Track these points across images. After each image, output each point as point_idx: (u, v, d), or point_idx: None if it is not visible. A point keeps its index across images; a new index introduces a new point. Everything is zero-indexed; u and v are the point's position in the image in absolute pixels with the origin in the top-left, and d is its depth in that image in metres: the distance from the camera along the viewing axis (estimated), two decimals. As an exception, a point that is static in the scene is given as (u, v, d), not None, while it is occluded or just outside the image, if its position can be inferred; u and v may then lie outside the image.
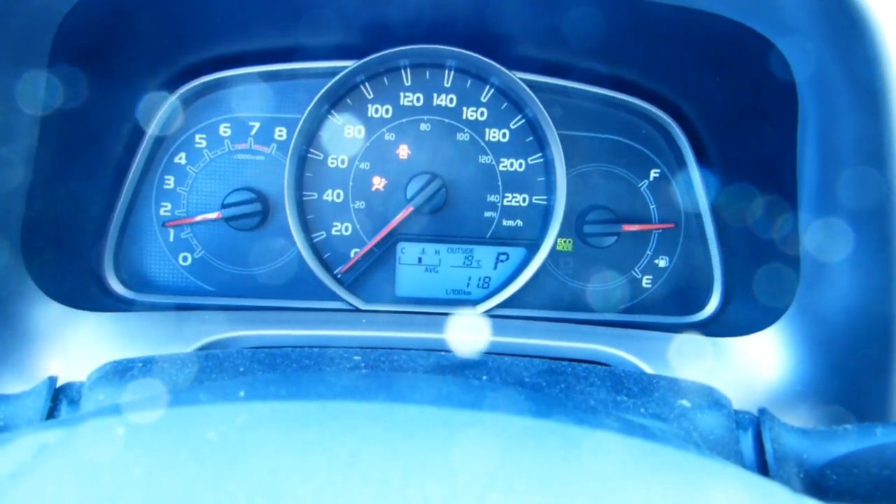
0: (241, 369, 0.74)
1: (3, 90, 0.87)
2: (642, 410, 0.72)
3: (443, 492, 0.34)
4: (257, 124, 1.25)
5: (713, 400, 0.77)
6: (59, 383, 0.75)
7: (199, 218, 1.25)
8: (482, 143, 1.28)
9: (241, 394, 0.46)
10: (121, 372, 0.75)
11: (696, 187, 1.29)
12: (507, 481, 0.35)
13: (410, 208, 1.25)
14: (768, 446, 0.72)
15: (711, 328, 1.26)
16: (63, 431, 0.40)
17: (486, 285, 1.31)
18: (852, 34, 0.83)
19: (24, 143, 0.94)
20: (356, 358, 0.77)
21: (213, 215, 1.24)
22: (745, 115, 1.15)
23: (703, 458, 0.43)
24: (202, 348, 1.07)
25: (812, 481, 0.71)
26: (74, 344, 1.06)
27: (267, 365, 0.75)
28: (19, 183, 0.96)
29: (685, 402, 0.75)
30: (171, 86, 1.20)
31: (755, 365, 1.12)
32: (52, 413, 0.71)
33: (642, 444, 0.43)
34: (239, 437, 0.38)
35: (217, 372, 0.73)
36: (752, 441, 0.74)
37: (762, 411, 0.77)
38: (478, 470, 0.36)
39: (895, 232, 0.86)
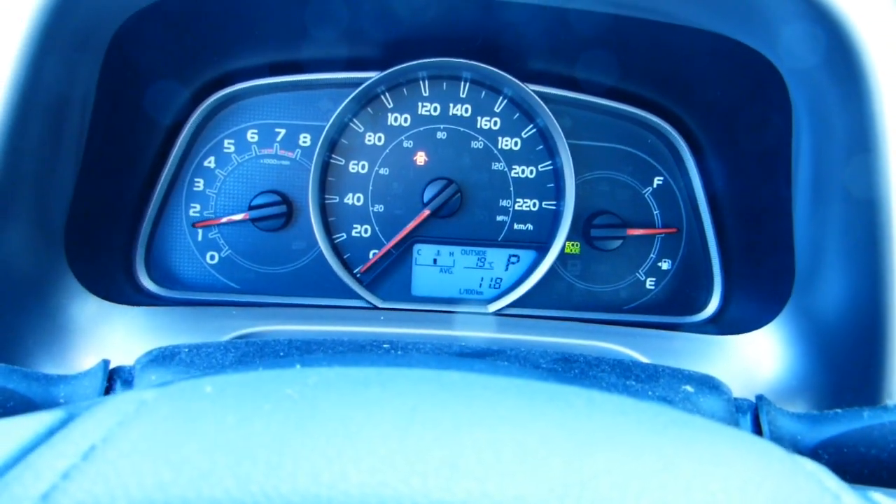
0: (281, 354, 0.80)
1: (60, 96, 0.93)
2: (650, 393, 0.78)
3: (485, 440, 0.40)
4: (283, 131, 1.32)
5: (714, 386, 0.83)
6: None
7: (225, 219, 1.31)
8: (495, 151, 1.35)
9: (298, 366, 0.53)
10: (169, 356, 0.81)
11: (697, 194, 1.35)
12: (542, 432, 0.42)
13: (427, 212, 1.32)
14: (765, 428, 0.78)
15: (712, 327, 1.32)
16: (159, 392, 0.47)
17: (497, 286, 1.38)
18: (840, 50, 0.89)
19: (73, 147, 1.01)
20: (386, 346, 0.83)
21: (240, 216, 1.31)
22: (742, 125, 1.21)
23: (705, 420, 0.50)
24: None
25: (805, 461, 0.77)
26: (110, 335, 1.12)
27: (304, 351, 0.82)
28: (66, 185, 1.03)
29: (689, 388, 0.81)
30: (204, 94, 1.27)
31: (754, 361, 1.17)
32: (108, 392, 0.77)
33: (653, 407, 0.49)
34: (313, 394, 0.44)
35: (259, 356, 0.80)
36: (750, 424, 0.80)
37: (759, 397, 0.83)
38: (513, 425, 0.43)
39: (885, 235, 0.91)
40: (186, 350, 0.82)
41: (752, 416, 0.81)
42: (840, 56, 0.90)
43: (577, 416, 0.44)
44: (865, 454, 0.75)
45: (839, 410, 0.79)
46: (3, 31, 0.82)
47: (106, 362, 0.80)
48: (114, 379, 0.79)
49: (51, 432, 0.43)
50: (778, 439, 0.78)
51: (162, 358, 0.81)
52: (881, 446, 0.74)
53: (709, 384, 0.84)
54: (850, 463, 0.76)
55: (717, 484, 0.41)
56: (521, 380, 0.49)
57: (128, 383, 0.78)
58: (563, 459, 0.39)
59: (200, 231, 1.32)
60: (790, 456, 0.49)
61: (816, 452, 0.77)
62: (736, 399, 0.84)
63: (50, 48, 0.85)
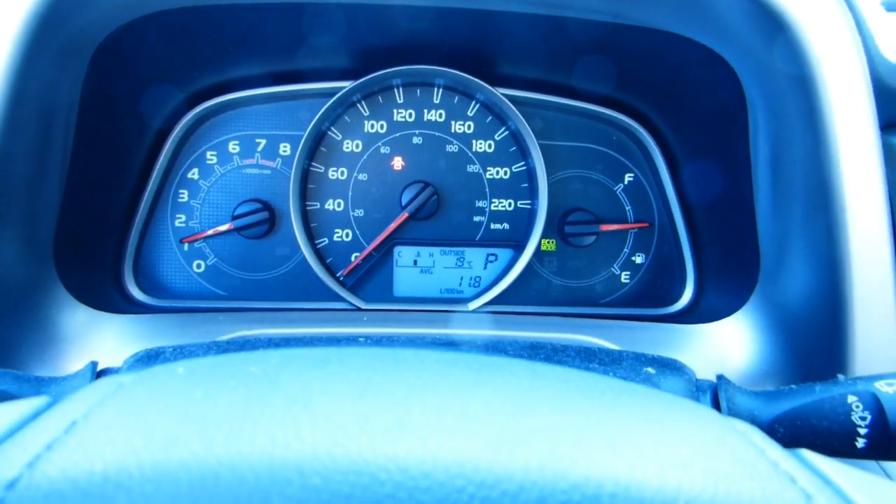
0: (263, 349, 0.84)
1: (45, 109, 0.98)
2: (610, 374, 0.82)
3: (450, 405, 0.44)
4: (263, 141, 1.36)
5: (676, 368, 0.87)
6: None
7: (211, 231, 1.35)
8: (470, 154, 1.39)
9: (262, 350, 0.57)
10: (154, 356, 0.85)
11: (667, 190, 1.40)
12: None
13: (405, 215, 1.36)
14: (724, 405, 0.82)
15: (686, 318, 1.36)
16: (136, 375, 0.51)
17: (477, 284, 1.42)
18: (787, 45, 0.94)
19: (59, 159, 1.05)
20: (361, 339, 0.87)
21: (225, 227, 1.35)
22: (704, 124, 1.26)
23: (644, 387, 0.54)
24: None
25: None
26: (99, 342, 1.15)
27: (282, 347, 0.85)
28: (53, 197, 1.07)
29: (650, 370, 0.85)
30: (186, 107, 1.31)
31: (723, 348, 1.21)
32: (95, 392, 0.81)
33: (595, 377, 0.53)
34: (274, 371, 0.48)
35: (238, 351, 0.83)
36: (709, 401, 0.84)
37: (720, 377, 0.87)
38: (457, 392, 0.47)
39: (840, 226, 0.95)
40: (171, 350, 0.86)
41: (712, 394, 0.85)
42: (794, 61, 0.95)
43: (518, 383, 0.48)
44: (817, 426, 0.79)
45: (793, 386, 0.82)
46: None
47: (94, 363, 0.83)
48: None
49: (36, 414, 0.47)
50: (736, 415, 0.82)
51: (147, 358, 0.85)
52: (832, 418, 0.78)
53: (671, 366, 0.88)
54: (804, 435, 0.79)
55: (647, 438, 0.45)
56: (470, 356, 0.53)
57: (115, 383, 0.82)
58: (500, 419, 0.43)
59: (187, 242, 1.36)
60: (722, 417, 0.53)
61: (773, 427, 0.81)
62: (698, 380, 0.88)
63: (35, 61, 0.89)
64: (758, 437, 0.50)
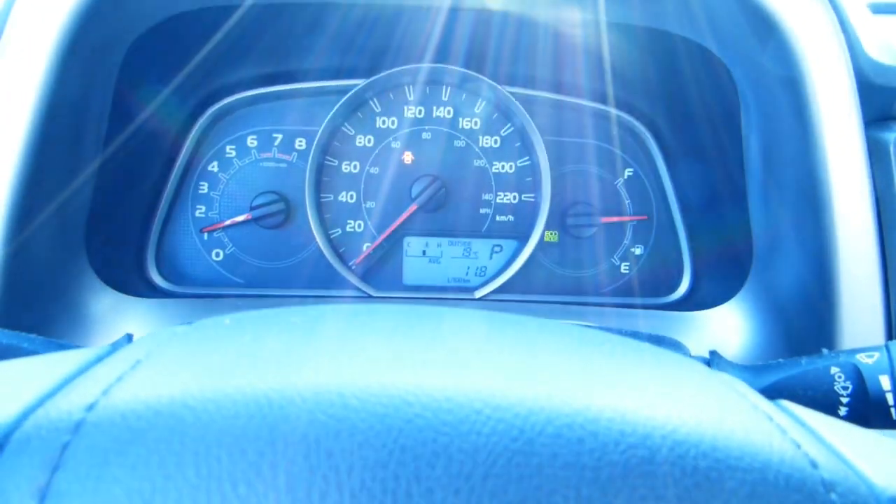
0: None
1: (80, 104, 1.04)
2: (610, 347, 0.88)
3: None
4: (280, 136, 1.42)
5: (671, 344, 0.93)
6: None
7: (229, 221, 1.41)
8: (476, 149, 1.45)
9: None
10: (184, 330, 0.91)
11: (664, 184, 1.46)
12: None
13: (415, 206, 1.42)
14: (714, 377, 0.88)
15: (683, 306, 1.42)
16: (187, 327, 0.57)
17: (482, 274, 1.48)
18: (777, 46, 1.01)
19: (91, 152, 1.12)
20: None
21: (243, 217, 1.41)
22: (699, 120, 1.32)
23: (637, 342, 0.60)
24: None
25: (750, 405, 0.86)
26: (124, 325, 1.22)
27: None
28: (86, 188, 1.13)
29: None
30: (207, 103, 1.38)
31: (719, 333, 1.27)
32: (131, 361, 0.87)
33: (599, 332, 0.59)
34: (312, 322, 0.55)
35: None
36: (702, 374, 0.90)
37: (712, 352, 0.92)
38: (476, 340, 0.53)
39: (827, 218, 1.00)
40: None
41: (705, 367, 0.91)
42: (782, 59, 1.01)
43: (528, 332, 0.54)
44: (803, 395, 0.84)
45: (781, 360, 0.88)
46: (33, 40, 0.93)
47: (129, 336, 0.89)
48: (136, 350, 0.88)
49: (100, 358, 0.54)
50: (726, 386, 0.88)
51: (178, 331, 0.91)
52: (816, 387, 0.84)
53: (667, 343, 0.94)
54: (789, 403, 0.85)
55: (640, 378, 0.51)
56: (485, 312, 0.60)
57: (149, 353, 0.88)
58: (513, 358, 0.49)
59: (207, 232, 1.42)
60: (710, 370, 0.59)
61: (760, 396, 0.87)
62: (692, 356, 0.94)
63: (73, 58, 0.96)
64: (741, 385, 0.56)
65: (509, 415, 0.44)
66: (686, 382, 0.53)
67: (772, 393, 0.86)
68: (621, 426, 0.45)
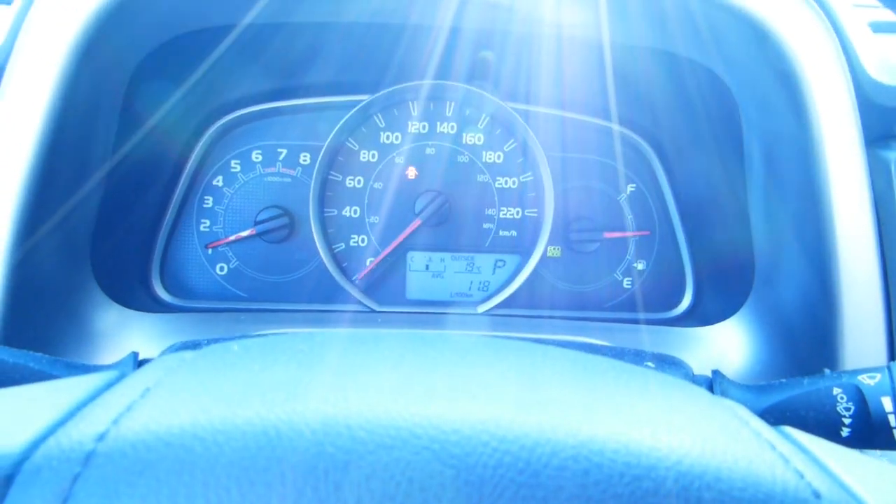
0: (289, 342, 0.91)
1: (87, 121, 1.05)
2: (613, 367, 0.88)
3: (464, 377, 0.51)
4: (285, 151, 1.43)
5: (673, 363, 0.94)
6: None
7: (234, 237, 1.42)
8: (480, 164, 1.46)
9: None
10: (191, 348, 0.91)
11: (667, 199, 1.46)
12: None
13: (418, 221, 1.42)
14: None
15: (685, 321, 1.42)
16: (195, 352, 0.58)
17: (485, 288, 1.48)
18: (778, 67, 1.01)
19: (98, 167, 1.12)
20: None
21: (248, 232, 1.41)
22: (704, 137, 1.33)
23: (642, 368, 0.60)
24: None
25: (753, 425, 0.87)
26: (130, 339, 1.22)
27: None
28: (92, 203, 1.14)
29: (650, 364, 0.92)
30: (212, 118, 1.39)
31: (721, 349, 1.27)
32: (138, 380, 0.87)
33: (601, 358, 0.60)
34: (320, 349, 0.55)
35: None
36: (704, 394, 0.90)
37: (715, 372, 0.93)
38: (478, 366, 0.53)
39: (829, 231, 1.01)
40: (206, 343, 0.93)
41: (707, 388, 0.91)
42: (781, 73, 1.02)
43: (532, 360, 0.55)
44: (805, 416, 0.85)
45: (783, 380, 0.88)
46: (44, 56, 0.94)
47: (135, 354, 0.90)
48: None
49: (109, 385, 0.54)
50: (728, 406, 0.88)
51: (185, 349, 0.91)
52: (818, 408, 0.84)
53: (669, 361, 0.94)
54: (791, 425, 0.85)
55: (644, 407, 0.51)
56: (488, 338, 0.60)
57: (155, 372, 0.88)
58: (518, 388, 0.50)
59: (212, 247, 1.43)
60: (712, 395, 0.59)
61: (764, 418, 0.86)
62: (694, 375, 0.94)
63: (82, 73, 0.97)
64: (743, 411, 0.57)
65: (515, 447, 0.44)
66: (690, 411, 0.53)
67: (774, 413, 0.86)
68: (626, 458, 0.45)
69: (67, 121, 0.98)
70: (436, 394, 0.48)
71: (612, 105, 1.42)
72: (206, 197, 1.42)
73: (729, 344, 1.27)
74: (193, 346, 0.91)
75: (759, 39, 1.00)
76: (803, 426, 0.85)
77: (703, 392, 0.59)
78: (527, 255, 1.45)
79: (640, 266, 1.50)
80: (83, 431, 0.45)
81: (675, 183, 1.45)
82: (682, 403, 0.54)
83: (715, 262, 1.39)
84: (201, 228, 1.42)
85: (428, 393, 0.48)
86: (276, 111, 1.42)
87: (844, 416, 0.82)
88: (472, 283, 1.47)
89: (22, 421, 0.47)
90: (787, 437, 0.56)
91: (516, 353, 0.57)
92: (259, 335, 1.00)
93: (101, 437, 0.45)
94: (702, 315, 1.41)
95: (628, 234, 1.48)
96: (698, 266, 1.45)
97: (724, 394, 0.89)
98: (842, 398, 0.83)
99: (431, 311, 1.42)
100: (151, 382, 0.51)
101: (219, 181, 1.42)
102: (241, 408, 0.46)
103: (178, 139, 1.35)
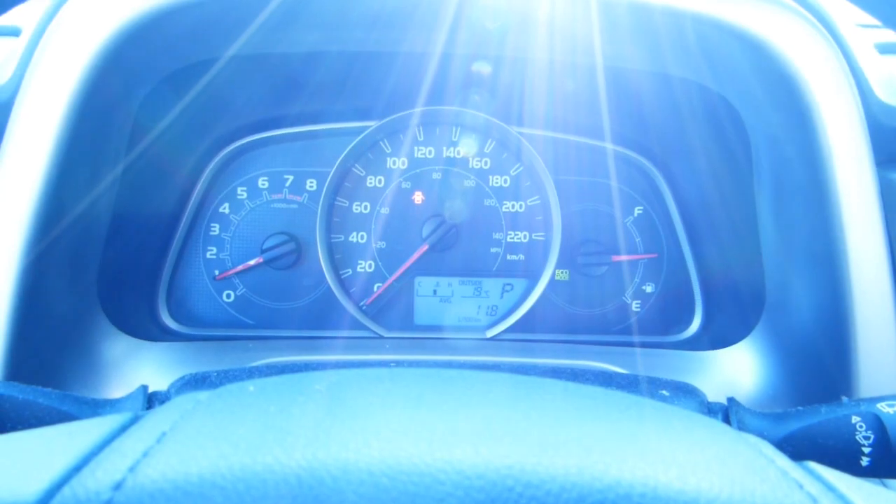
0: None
1: (95, 151, 1.05)
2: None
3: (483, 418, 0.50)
4: (291, 177, 1.43)
5: (688, 391, 0.92)
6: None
7: (242, 267, 1.41)
8: (487, 189, 1.46)
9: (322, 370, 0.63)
10: (200, 379, 0.90)
11: (674, 222, 1.46)
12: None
13: (426, 247, 1.42)
14: (734, 425, 0.87)
15: (695, 344, 1.41)
16: (210, 393, 0.57)
17: (493, 313, 1.47)
18: (787, 89, 1.01)
19: (106, 198, 1.12)
20: (392, 364, 0.93)
21: (255, 261, 1.41)
22: (708, 159, 1.32)
23: (661, 403, 0.59)
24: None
25: (771, 454, 0.85)
26: (138, 369, 1.21)
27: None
28: (100, 234, 1.14)
29: (665, 392, 0.91)
30: (219, 146, 1.39)
31: (732, 374, 1.26)
32: (147, 413, 0.86)
33: (617, 394, 0.59)
34: (337, 388, 0.54)
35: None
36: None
37: (730, 400, 0.92)
38: (500, 406, 0.53)
39: (840, 257, 1.00)
40: (215, 374, 0.91)
41: (723, 416, 0.90)
42: (788, 97, 1.02)
43: (553, 399, 0.54)
44: (823, 444, 0.83)
45: (800, 408, 0.87)
46: (53, 89, 0.94)
47: (145, 387, 0.89)
48: (152, 401, 0.88)
49: (123, 428, 0.53)
50: (746, 435, 0.87)
51: (194, 381, 0.90)
52: (837, 437, 0.83)
53: (684, 389, 0.93)
54: (810, 454, 0.84)
55: (669, 447, 0.51)
56: (509, 375, 0.59)
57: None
58: (542, 428, 0.49)
59: (217, 272, 1.42)
60: (735, 431, 0.58)
61: (781, 445, 0.85)
62: (709, 402, 0.93)
63: (90, 104, 0.96)
64: (768, 448, 0.56)
65: (541, 492, 0.43)
66: (714, 449, 0.52)
67: (792, 442, 0.85)
68: (654, 502, 0.44)
69: (75, 150, 0.98)
70: (458, 436, 0.47)
71: (607, 127, 1.42)
72: (212, 224, 1.42)
73: (740, 368, 1.26)
74: (202, 378, 0.90)
75: (768, 63, 1.00)
76: (822, 455, 0.85)
77: (725, 428, 0.58)
78: (535, 279, 1.45)
79: (648, 289, 1.49)
80: (100, 480, 0.44)
81: (683, 204, 1.44)
82: (707, 441, 0.53)
83: (724, 284, 1.38)
84: (208, 256, 1.42)
85: (451, 435, 0.47)
86: (283, 138, 1.43)
87: (864, 445, 0.81)
88: (480, 307, 1.46)
89: (37, 467, 0.46)
90: (812, 474, 0.55)
91: (537, 390, 0.56)
92: (268, 364, 0.99)
93: (118, 486, 0.44)
94: (712, 338, 1.40)
95: (636, 256, 1.47)
96: (707, 288, 1.44)
97: (740, 422, 0.88)
98: (861, 426, 0.82)
99: (440, 337, 1.41)
100: (167, 426, 0.50)
101: (225, 208, 1.42)
102: (261, 454, 0.45)
103: (184, 167, 1.35)
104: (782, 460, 0.54)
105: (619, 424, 0.52)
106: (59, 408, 0.80)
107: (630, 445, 0.49)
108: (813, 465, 0.57)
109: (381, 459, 0.44)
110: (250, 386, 0.56)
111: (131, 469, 0.45)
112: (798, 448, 0.84)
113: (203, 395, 0.56)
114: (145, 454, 0.47)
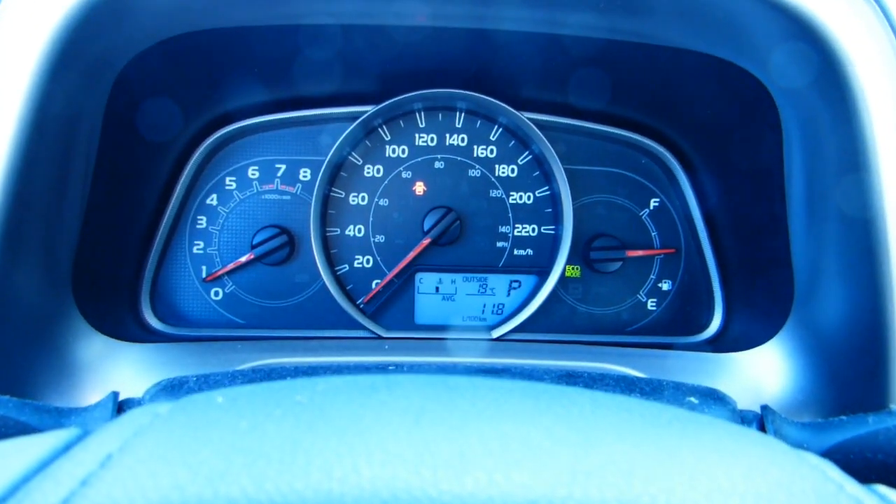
0: (288, 378, 0.81)
1: (66, 136, 0.96)
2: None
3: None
4: (283, 166, 1.35)
5: (718, 398, 0.84)
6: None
7: (231, 266, 1.33)
8: (492, 179, 1.38)
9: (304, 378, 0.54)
10: (177, 386, 0.82)
11: (693, 214, 1.38)
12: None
13: (427, 240, 1.34)
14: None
15: (716, 345, 1.33)
16: (172, 405, 0.48)
17: (500, 312, 1.39)
18: (830, 70, 0.92)
19: (79, 187, 1.03)
20: (391, 368, 0.84)
21: (246, 258, 1.32)
22: (734, 144, 1.24)
23: (708, 417, 0.50)
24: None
25: (813, 468, 0.77)
26: (116, 372, 1.12)
27: (310, 375, 0.82)
28: (72, 225, 1.05)
29: (693, 399, 0.82)
30: (205, 132, 1.30)
31: (758, 377, 1.18)
32: (117, 423, 0.78)
33: (655, 405, 0.50)
34: (322, 399, 0.45)
35: (266, 381, 0.80)
36: (756, 433, 0.81)
37: (764, 407, 0.83)
38: (517, 421, 0.44)
39: (882, 248, 0.92)
40: (195, 379, 0.83)
41: (758, 426, 0.82)
42: (829, 76, 0.93)
43: (581, 412, 0.45)
44: (872, 459, 0.75)
45: (844, 417, 0.79)
46: (14, 62, 0.85)
47: (115, 394, 0.80)
48: (123, 410, 0.79)
49: (67, 446, 0.44)
50: (785, 448, 0.78)
51: (171, 388, 0.82)
52: (887, 451, 0.75)
53: (713, 396, 0.84)
54: (857, 468, 0.76)
55: (722, 474, 0.42)
56: (523, 382, 0.50)
57: (137, 413, 0.79)
58: (569, 450, 0.40)
59: (204, 267, 1.34)
60: (794, 450, 0.49)
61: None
62: (741, 410, 0.85)
63: (58, 83, 0.87)
64: (834, 471, 0.47)
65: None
66: (777, 474, 0.43)
67: (836, 455, 0.77)
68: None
69: (43, 131, 0.89)
70: (469, 460, 0.38)
71: (634, 113, 1.34)
72: (199, 217, 1.34)
73: (765, 371, 1.18)
74: (180, 383, 0.82)
75: (806, 35, 0.91)
76: (870, 470, 0.76)
77: (782, 447, 0.49)
78: (544, 276, 1.37)
79: (665, 286, 1.40)
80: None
81: (703, 196, 1.36)
82: (765, 464, 0.45)
83: (747, 280, 1.30)
84: (194, 250, 1.33)
85: (460, 460, 0.38)
86: (274, 124, 1.34)
87: (923, 461, 0.73)
88: (485, 305, 1.38)
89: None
90: (884, 499, 0.46)
91: (559, 401, 0.47)
92: (254, 368, 0.91)
93: (43, 526, 0.35)
94: (733, 339, 1.32)
95: (653, 251, 1.39)
96: (728, 286, 1.36)
97: (777, 432, 0.80)
98: (918, 439, 0.74)
99: (442, 337, 1.32)
100: (115, 447, 0.41)
101: (213, 200, 1.34)
102: (224, 484, 0.36)
103: (168, 154, 1.26)
104: (852, 486, 0.45)
105: (661, 443, 0.43)
106: (16, 417, 0.71)
107: (679, 471, 0.40)
108: (882, 488, 0.49)
109: (374, 491, 0.35)
110: (219, 397, 0.47)
111: (64, 502, 0.37)
112: (844, 462, 0.76)
113: (163, 408, 0.47)
114: (84, 482, 0.38)
